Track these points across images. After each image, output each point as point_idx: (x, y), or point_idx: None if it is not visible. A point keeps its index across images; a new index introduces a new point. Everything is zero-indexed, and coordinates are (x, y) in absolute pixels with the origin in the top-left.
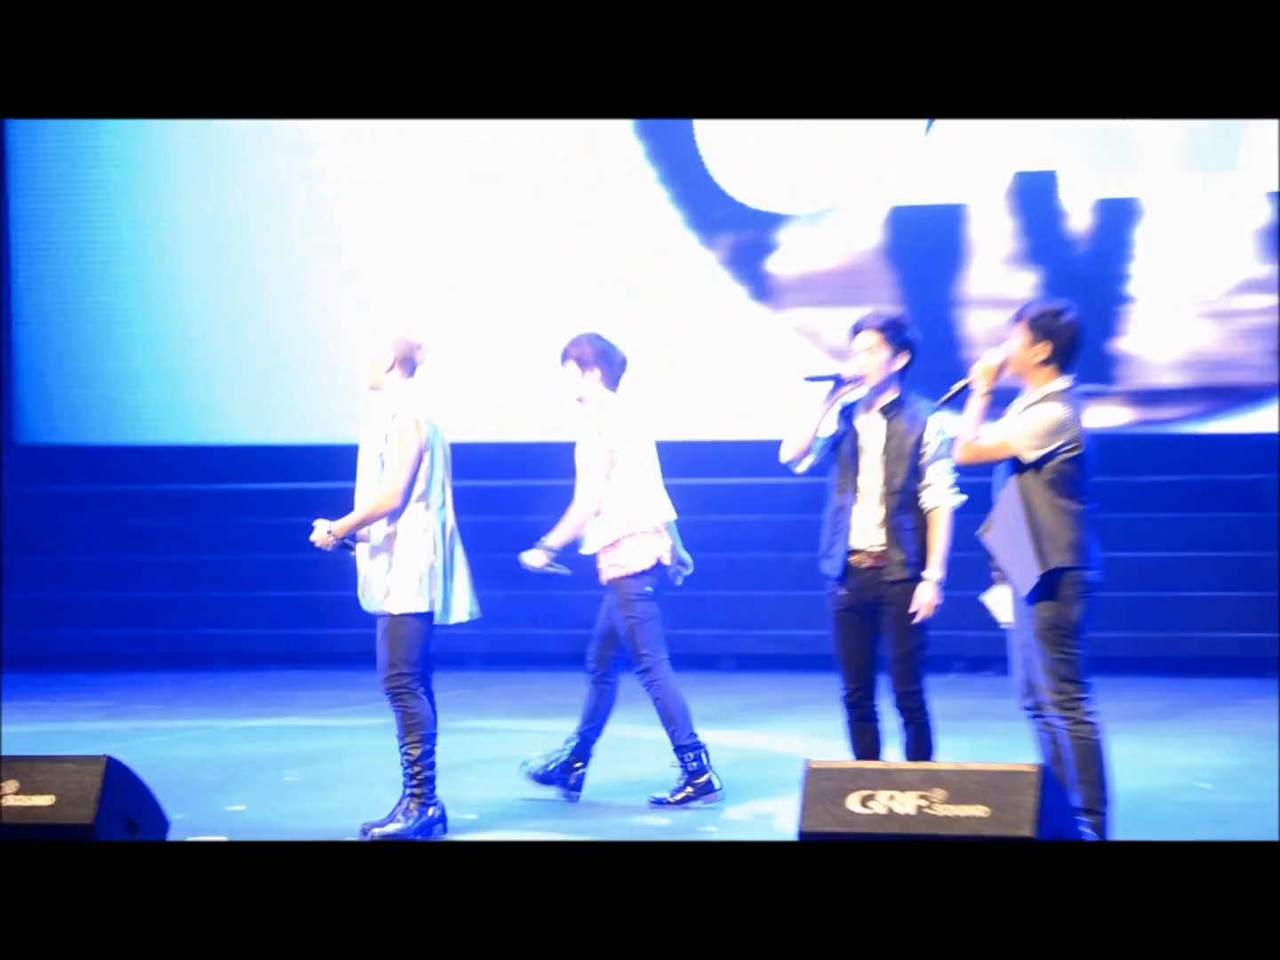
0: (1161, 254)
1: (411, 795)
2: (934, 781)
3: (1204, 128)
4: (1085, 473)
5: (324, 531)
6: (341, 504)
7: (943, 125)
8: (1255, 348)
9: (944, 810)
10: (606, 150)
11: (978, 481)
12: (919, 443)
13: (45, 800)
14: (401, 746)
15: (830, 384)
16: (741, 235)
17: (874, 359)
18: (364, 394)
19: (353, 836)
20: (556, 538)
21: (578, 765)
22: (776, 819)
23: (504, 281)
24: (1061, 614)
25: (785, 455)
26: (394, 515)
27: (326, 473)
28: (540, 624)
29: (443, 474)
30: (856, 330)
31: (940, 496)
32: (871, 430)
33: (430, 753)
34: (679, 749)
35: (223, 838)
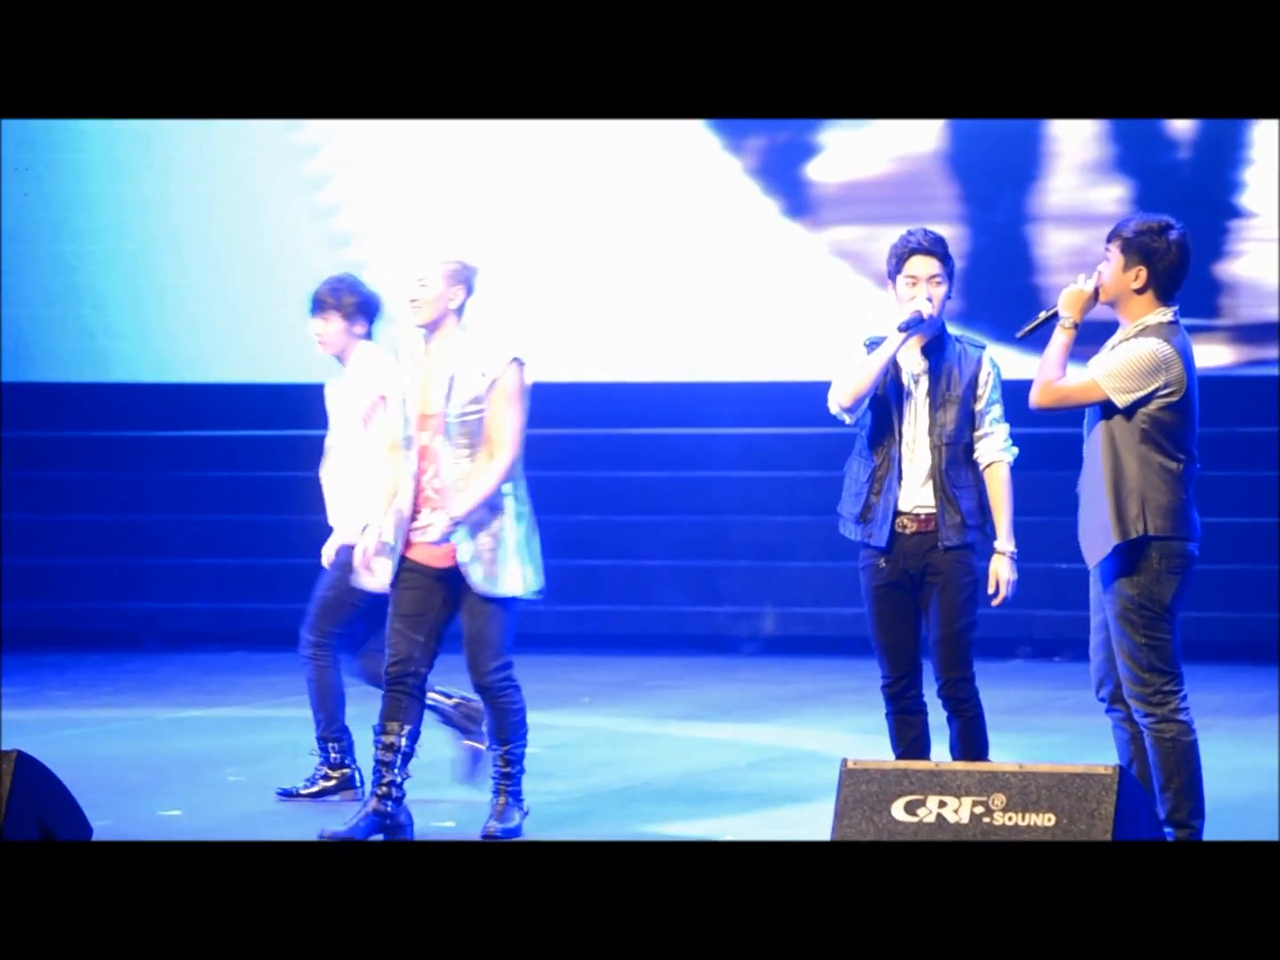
0: None
1: (510, 791)
2: (993, 785)
3: None
4: (1187, 423)
5: (448, 523)
6: (306, 453)
7: None
8: None
9: (1004, 819)
10: None
11: (1068, 433)
12: (973, 384)
13: None
14: (499, 745)
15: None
16: (774, 138)
17: (938, 290)
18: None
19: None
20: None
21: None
22: (805, 829)
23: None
24: (1150, 591)
25: (841, 402)
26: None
27: (279, 418)
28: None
29: None
30: (912, 253)
31: (999, 448)
32: (915, 371)
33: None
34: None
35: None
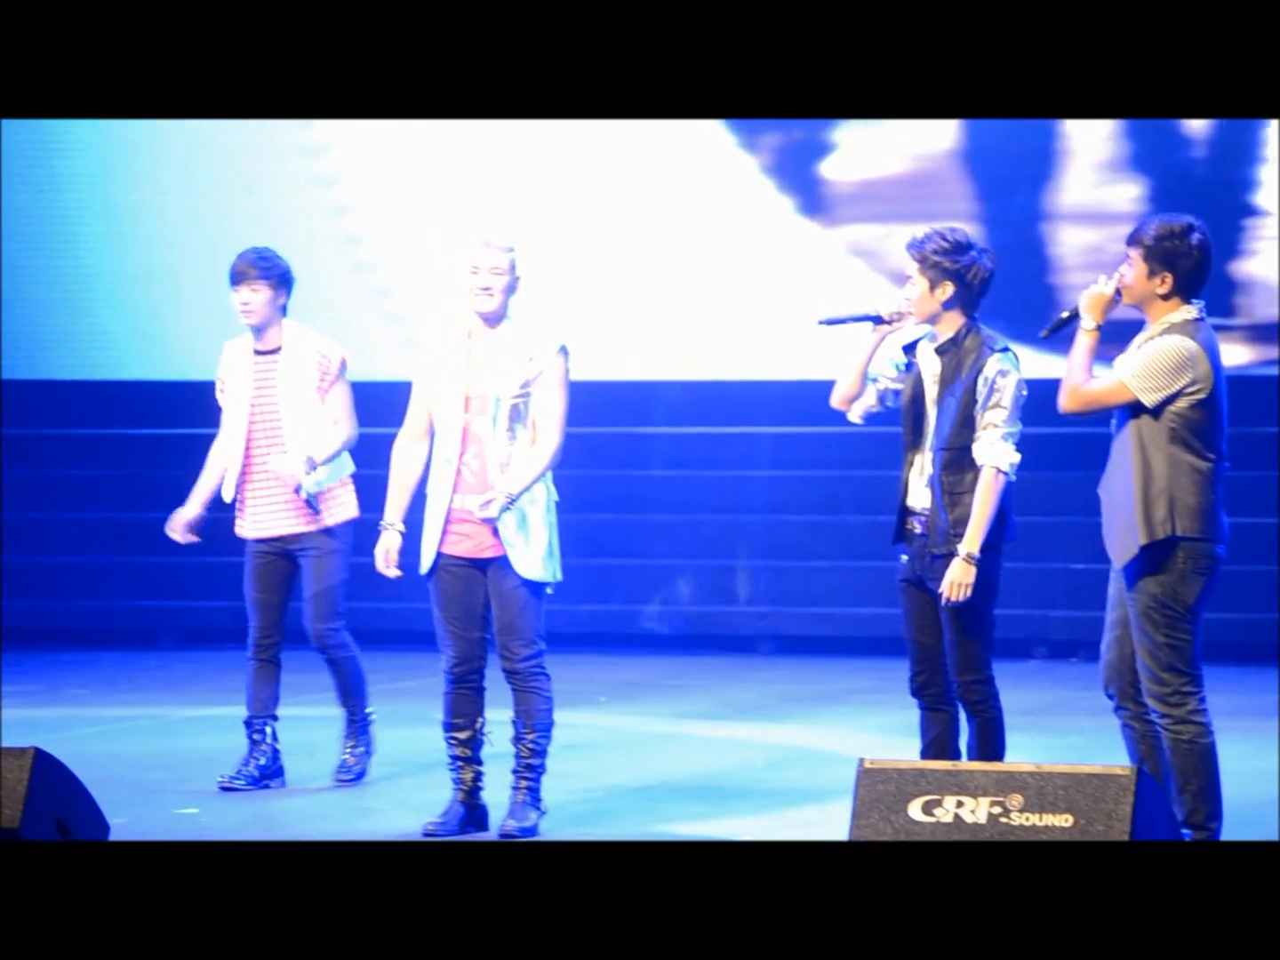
0: None
1: (530, 789)
2: (1010, 785)
3: None
4: (1216, 421)
5: (504, 498)
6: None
7: None
8: None
9: (1021, 819)
10: None
11: (1102, 432)
12: (973, 385)
13: None
14: (522, 736)
15: (870, 324)
16: (789, 136)
17: (914, 290)
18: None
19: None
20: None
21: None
22: (823, 829)
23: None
24: (1174, 590)
25: (832, 402)
26: None
27: None
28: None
29: None
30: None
31: (988, 453)
32: (929, 372)
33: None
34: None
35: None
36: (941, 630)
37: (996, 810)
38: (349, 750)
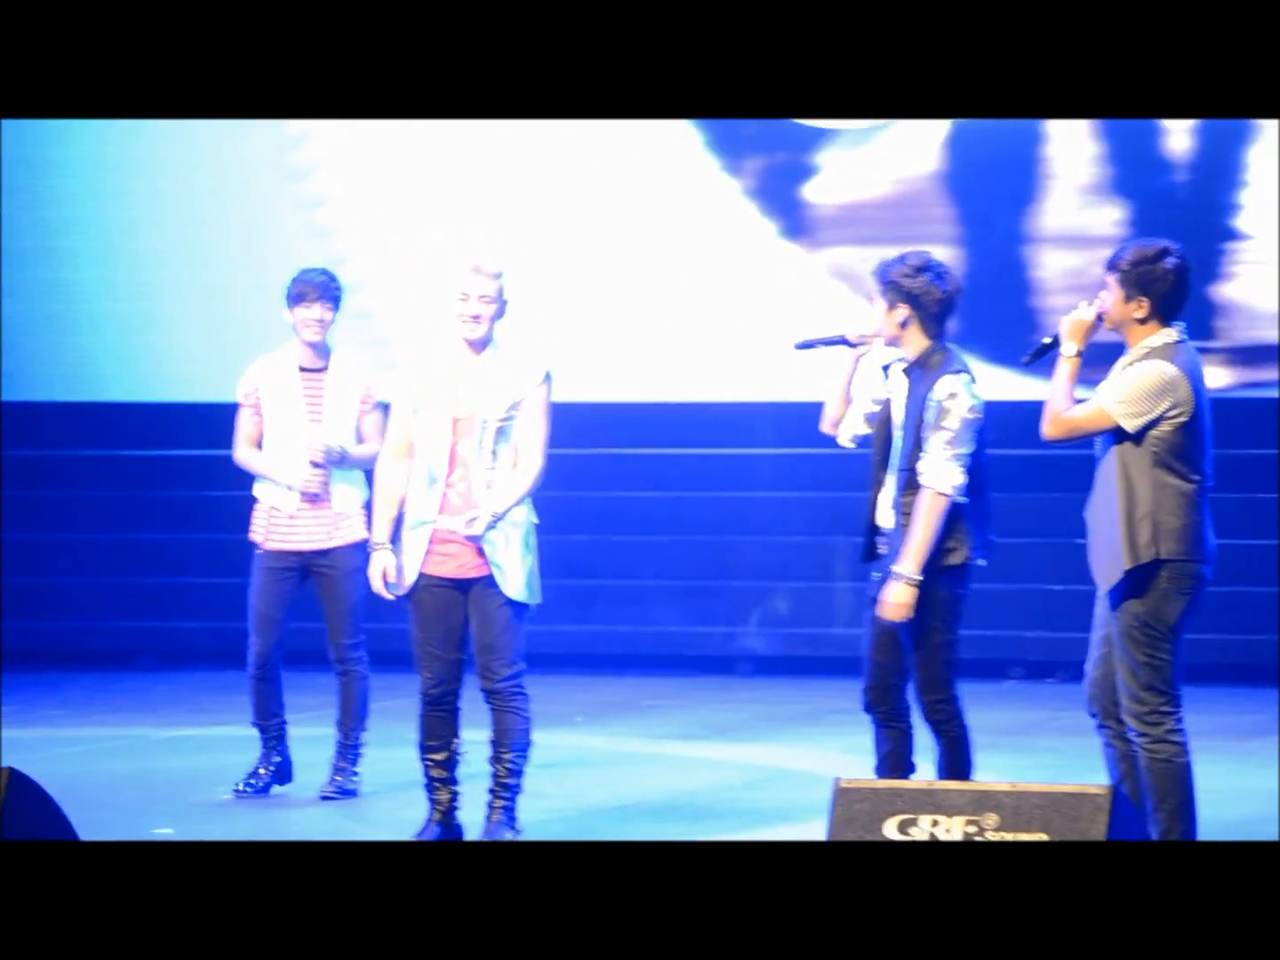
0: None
1: (506, 809)
2: (986, 804)
3: None
4: (1199, 443)
5: (489, 516)
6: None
7: None
8: None
9: (997, 838)
10: None
11: (1080, 454)
12: (922, 407)
13: None
14: (500, 756)
15: (843, 347)
16: (772, 158)
17: (876, 312)
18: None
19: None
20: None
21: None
22: None
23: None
24: (1156, 610)
25: (822, 425)
26: None
27: None
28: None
29: None
30: None
31: (928, 474)
32: (899, 393)
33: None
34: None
35: None
36: (901, 650)
37: (972, 829)
38: (340, 774)
